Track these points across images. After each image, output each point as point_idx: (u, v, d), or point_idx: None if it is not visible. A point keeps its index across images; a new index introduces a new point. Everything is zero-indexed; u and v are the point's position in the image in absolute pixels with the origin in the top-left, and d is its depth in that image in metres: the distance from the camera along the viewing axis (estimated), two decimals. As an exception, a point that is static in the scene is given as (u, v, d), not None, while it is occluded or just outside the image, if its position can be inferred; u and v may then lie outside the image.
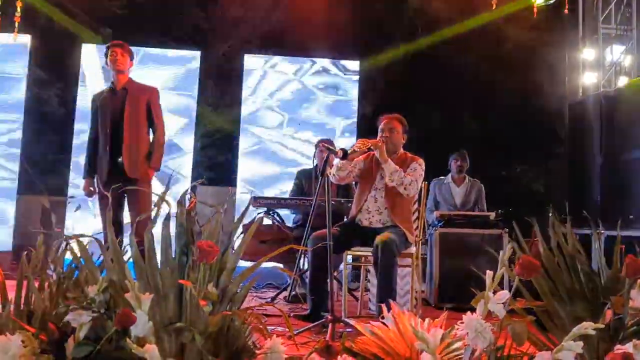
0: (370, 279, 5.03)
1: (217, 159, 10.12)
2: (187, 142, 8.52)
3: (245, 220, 2.01)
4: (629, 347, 1.53)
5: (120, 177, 4.64)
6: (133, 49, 8.22)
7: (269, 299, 5.44)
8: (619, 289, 1.98)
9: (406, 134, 4.56)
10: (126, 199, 4.82)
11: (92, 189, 4.90)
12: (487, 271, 1.66)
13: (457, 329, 1.75)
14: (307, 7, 8.44)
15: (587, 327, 1.53)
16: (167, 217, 1.90)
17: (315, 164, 6.21)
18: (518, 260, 1.71)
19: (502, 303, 1.66)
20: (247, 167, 8.32)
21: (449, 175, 6.64)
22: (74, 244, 2.00)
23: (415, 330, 1.52)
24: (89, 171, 4.95)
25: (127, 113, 4.87)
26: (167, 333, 1.73)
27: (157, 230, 1.91)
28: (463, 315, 1.69)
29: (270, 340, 1.64)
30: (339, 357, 1.62)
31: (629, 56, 8.23)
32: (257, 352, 1.66)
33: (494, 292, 1.69)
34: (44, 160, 8.39)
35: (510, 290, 1.73)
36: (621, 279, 2.01)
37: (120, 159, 4.82)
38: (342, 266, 4.56)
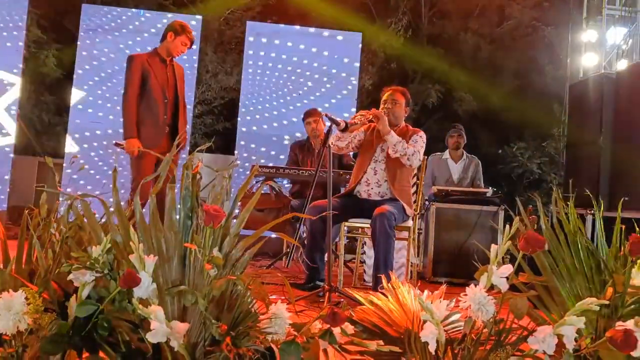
0: (366, 251, 5.05)
1: (215, 126, 10.08)
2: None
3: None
4: (629, 324, 1.55)
5: (170, 144, 4.76)
6: (131, 12, 8.21)
7: (265, 267, 5.46)
8: (619, 267, 2.00)
9: (408, 107, 4.56)
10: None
11: (139, 148, 4.73)
12: (492, 245, 1.67)
13: (458, 301, 1.76)
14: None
15: (591, 302, 1.54)
16: (172, 181, 1.90)
17: (307, 137, 6.21)
18: (522, 235, 1.71)
19: (505, 277, 1.67)
20: (245, 136, 8.28)
21: (447, 151, 6.63)
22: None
23: (421, 300, 1.53)
24: (134, 130, 4.78)
25: (180, 87, 4.98)
26: (170, 295, 1.74)
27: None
28: (460, 289, 1.70)
29: (274, 305, 1.65)
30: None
31: (630, 39, 8.20)
32: (260, 317, 1.67)
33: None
34: (40, 121, 8.36)
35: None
36: (621, 258, 2.03)
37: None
38: (338, 237, 4.58)
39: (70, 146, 7.95)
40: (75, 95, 8.05)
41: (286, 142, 8.10)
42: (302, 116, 6.26)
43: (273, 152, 8.20)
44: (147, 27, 8.16)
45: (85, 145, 8.00)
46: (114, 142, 5.03)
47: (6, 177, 7.87)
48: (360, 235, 4.90)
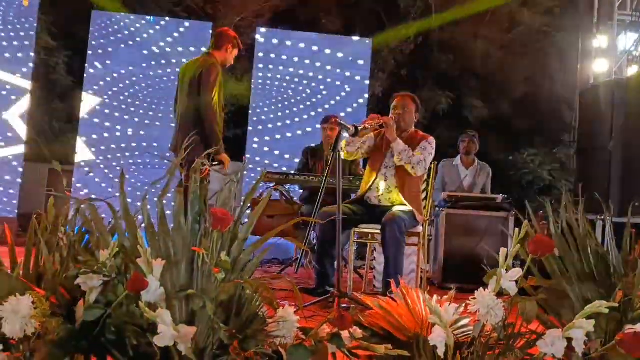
0: (376, 257, 5.04)
1: (225, 133, 10.08)
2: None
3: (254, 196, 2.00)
4: (639, 327, 1.54)
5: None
6: (142, 18, 8.24)
7: (275, 273, 5.46)
8: (628, 272, 1.98)
9: (418, 113, 4.55)
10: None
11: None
12: (501, 248, 1.66)
13: (467, 306, 1.75)
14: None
15: (600, 305, 1.53)
16: (180, 184, 1.90)
17: (321, 142, 6.19)
18: (531, 239, 1.70)
19: (514, 281, 1.65)
20: (256, 143, 8.29)
21: (458, 157, 6.61)
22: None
23: (430, 304, 1.52)
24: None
25: None
26: (178, 300, 1.73)
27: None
28: (470, 295, 1.69)
29: (282, 309, 1.64)
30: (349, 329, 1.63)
31: (640, 45, 8.16)
32: (269, 320, 1.66)
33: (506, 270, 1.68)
34: (50, 127, 8.39)
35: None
36: (631, 262, 2.02)
37: None
38: (348, 244, 4.56)
39: (81, 153, 7.99)
40: (86, 102, 8.08)
41: (296, 149, 8.10)
42: (320, 121, 6.26)
43: (284, 159, 8.21)
44: (157, 34, 8.18)
45: (96, 152, 8.04)
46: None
47: (17, 184, 7.91)
48: (370, 241, 4.88)
